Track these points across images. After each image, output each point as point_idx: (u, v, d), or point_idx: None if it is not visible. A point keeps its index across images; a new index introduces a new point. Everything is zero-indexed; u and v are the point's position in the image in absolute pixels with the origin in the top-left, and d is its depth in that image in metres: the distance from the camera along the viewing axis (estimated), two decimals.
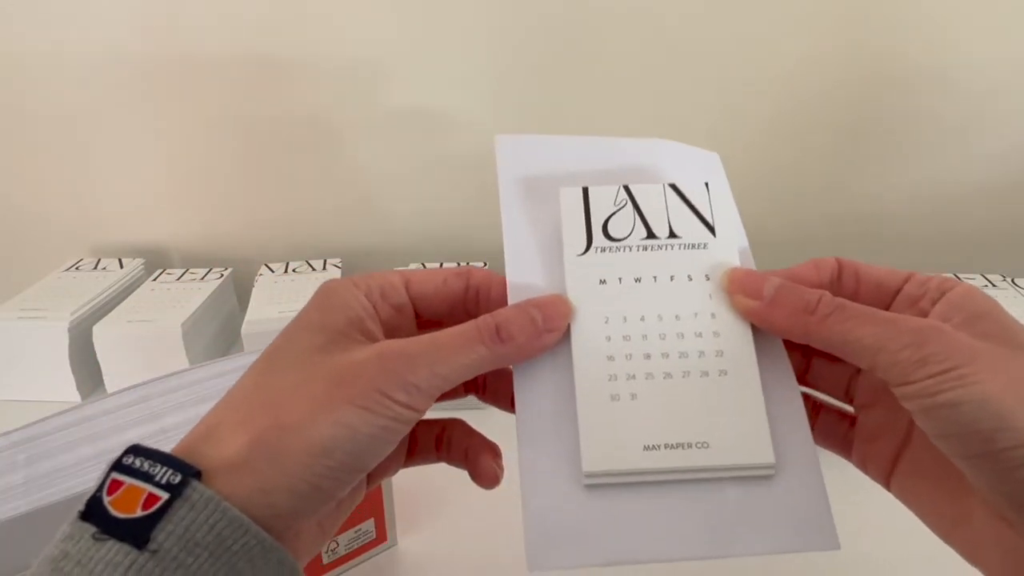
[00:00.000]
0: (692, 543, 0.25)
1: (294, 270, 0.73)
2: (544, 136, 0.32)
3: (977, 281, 0.64)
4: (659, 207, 0.30)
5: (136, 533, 0.20)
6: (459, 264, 0.72)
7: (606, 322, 0.28)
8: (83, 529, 0.21)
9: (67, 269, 0.73)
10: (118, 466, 0.22)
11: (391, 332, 0.27)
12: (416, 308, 0.28)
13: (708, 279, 0.28)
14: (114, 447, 0.34)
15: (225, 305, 0.73)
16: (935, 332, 0.23)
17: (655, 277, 0.28)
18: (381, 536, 0.45)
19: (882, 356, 0.23)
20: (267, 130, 0.76)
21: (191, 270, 0.73)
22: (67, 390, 0.62)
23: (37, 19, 0.71)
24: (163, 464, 0.21)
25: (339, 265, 0.74)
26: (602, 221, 0.29)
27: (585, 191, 0.30)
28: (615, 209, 0.30)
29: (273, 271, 0.73)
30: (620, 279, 0.28)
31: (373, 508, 0.44)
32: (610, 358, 0.27)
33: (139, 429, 0.36)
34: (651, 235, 0.29)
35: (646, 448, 0.26)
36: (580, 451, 0.26)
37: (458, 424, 0.31)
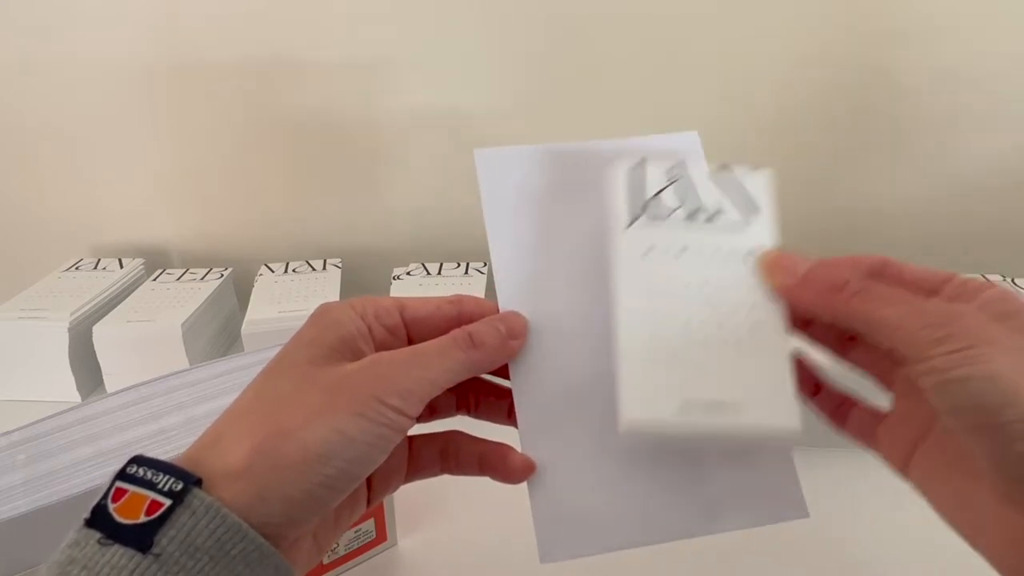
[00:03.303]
0: (686, 524, 0.28)
1: (294, 270, 0.73)
2: (523, 147, 0.33)
3: None
4: (705, 186, 0.31)
5: (140, 538, 0.21)
6: (459, 264, 0.72)
7: (649, 288, 0.29)
8: (88, 535, 0.21)
9: (67, 269, 0.72)
10: (122, 475, 0.22)
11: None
12: (410, 332, 0.29)
13: (747, 257, 0.30)
14: (114, 447, 0.34)
15: (225, 305, 0.73)
16: (957, 315, 0.24)
17: (698, 250, 0.30)
18: (381, 536, 0.45)
19: (901, 333, 0.24)
20: (267, 130, 0.76)
21: (191, 270, 0.73)
22: (67, 390, 0.62)
23: (38, 21, 0.71)
24: (165, 473, 0.22)
25: (339, 265, 0.74)
26: (651, 194, 0.30)
27: (637, 164, 0.31)
28: (665, 184, 0.31)
29: (273, 271, 0.73)
30: (665, 250, 0.30)
31: (373, 508, 0.44)
32: (652, 321, 0.28)
33: (139, 429, 0.36)
34: (696, 211, 0.30)
35: (683, 403, 0.27)
36: (619, 404, 0.27)
37: (461, 435, 0.31)
